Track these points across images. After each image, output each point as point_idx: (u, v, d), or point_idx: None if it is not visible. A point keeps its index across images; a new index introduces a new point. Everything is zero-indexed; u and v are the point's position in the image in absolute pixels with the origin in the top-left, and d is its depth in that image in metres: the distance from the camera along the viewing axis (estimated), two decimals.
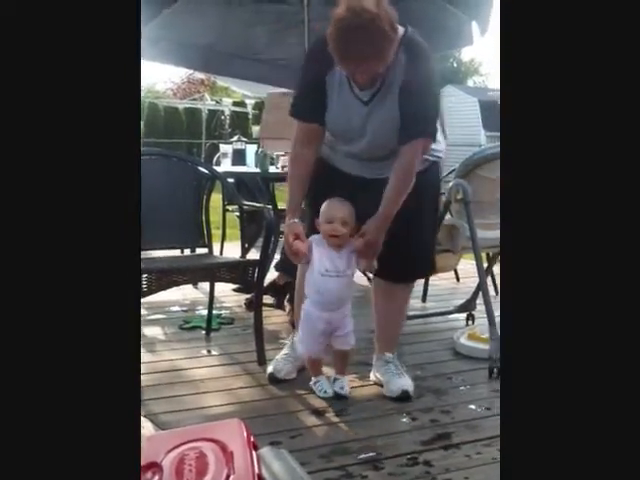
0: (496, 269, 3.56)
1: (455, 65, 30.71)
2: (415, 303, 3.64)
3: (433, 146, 2.21)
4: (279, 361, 2.45)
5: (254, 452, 1.05)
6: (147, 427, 2.02)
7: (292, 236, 2.12)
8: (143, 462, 1.02)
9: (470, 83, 29.19)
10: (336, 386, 2.29)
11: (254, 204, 3.36)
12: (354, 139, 2.18)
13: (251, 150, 5.09)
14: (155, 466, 1.02)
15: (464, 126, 16.29)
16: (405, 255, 2.25)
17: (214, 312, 3.17)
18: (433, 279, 3.92)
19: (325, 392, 2.27)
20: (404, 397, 2.27)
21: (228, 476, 0.98)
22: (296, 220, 2.15)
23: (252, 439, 1.09)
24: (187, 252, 3.65)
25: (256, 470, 1.02)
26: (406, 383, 2.32)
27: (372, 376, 2.44)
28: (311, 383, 2.31)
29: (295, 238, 2.12)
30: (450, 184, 2.91)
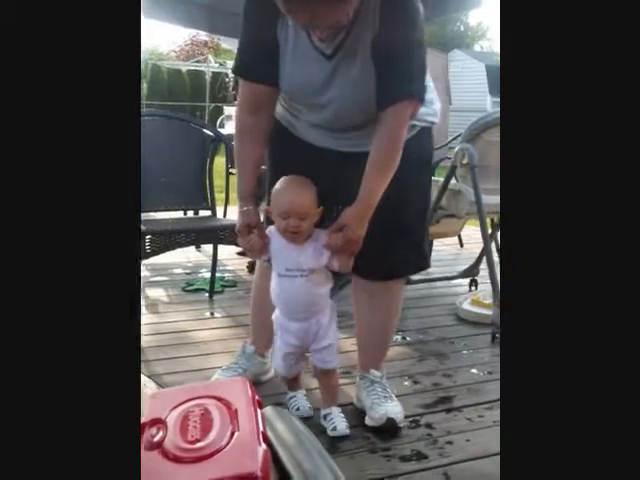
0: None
1: (462, 29, 30.33)
2: None
3: (423, 109, 1.72)
4: (224, 371, 2.05)
5: (258, 410, 1.06)
6: (150, 387, 2.04)
7: (245, 228, 1.71)
8: (147, 418, 1.03)
9: (477, 48, 28.88)
10: (327, 424, 1.80)
11: None
12: (318, 104, 1.70)
13: None
14: (160, 422, 1.02)
15: (470, 91, 16.14)
16: (394, 246, 1.83)
17: (217, 275, 3.18)
18: (436, 244, 3.93)
19: (298, 409, 1.87)
20: (389, 427, 1.81)
21: (233, 433, 0.99)
22: (249, 207, 1.72)
23: (256, 397, 1.09)
24: (190, 214, 3.66)
25: (260, 428, 1.02)
26: (393, 410, 1.84)
27: (355, 400, 1.98)
28: (286, 398, 1.93)
29: (250, 231, 1.71)
30: (456, 148, 2.88)
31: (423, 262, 1.96)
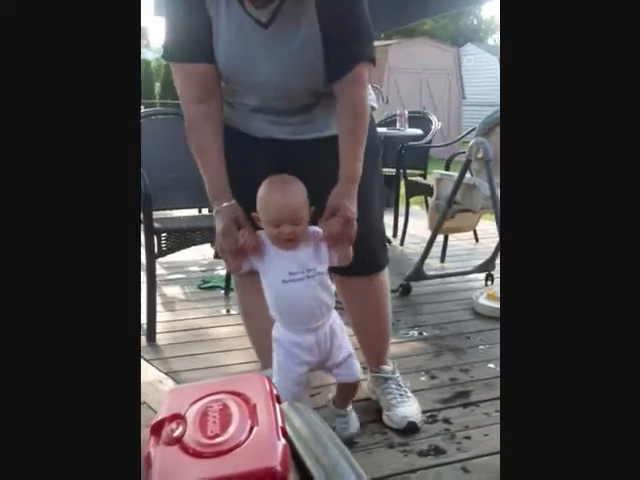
0: None
1: (475, 23, 30.19)
2: (434, 263, 3.64)
3: None
4: None
5: (277, 405, 1.06)
6: (168, 385, 2.06)
7: (234, 224, 1.49)
8: (166, 414, 1.03)
9: (490, 41, 28.74)
10: (338, 425, 1.73)
11: None
12: (256, 81, 1.54)
13: None
14: (179, 417, 1.03)
15: (484, 85, 16.08)
16: (360, 241, 1.56)
17: None
18: (452, 239, 3.91)
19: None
20: (410, 429, 1.79)
21: (252, 428, 0.99)
22: (231, 202, 1.53)
23: (275, 392, 1.09)
24: (205, 212, 3.67)
25: (279, 422, 1.02)
26: (411, 411, 1.82)
27: (369, 393, 1.96)
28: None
29: (239, 227, 1.50)
30: (470, 142, 2.87)
31: (385, 256, 1.85)
